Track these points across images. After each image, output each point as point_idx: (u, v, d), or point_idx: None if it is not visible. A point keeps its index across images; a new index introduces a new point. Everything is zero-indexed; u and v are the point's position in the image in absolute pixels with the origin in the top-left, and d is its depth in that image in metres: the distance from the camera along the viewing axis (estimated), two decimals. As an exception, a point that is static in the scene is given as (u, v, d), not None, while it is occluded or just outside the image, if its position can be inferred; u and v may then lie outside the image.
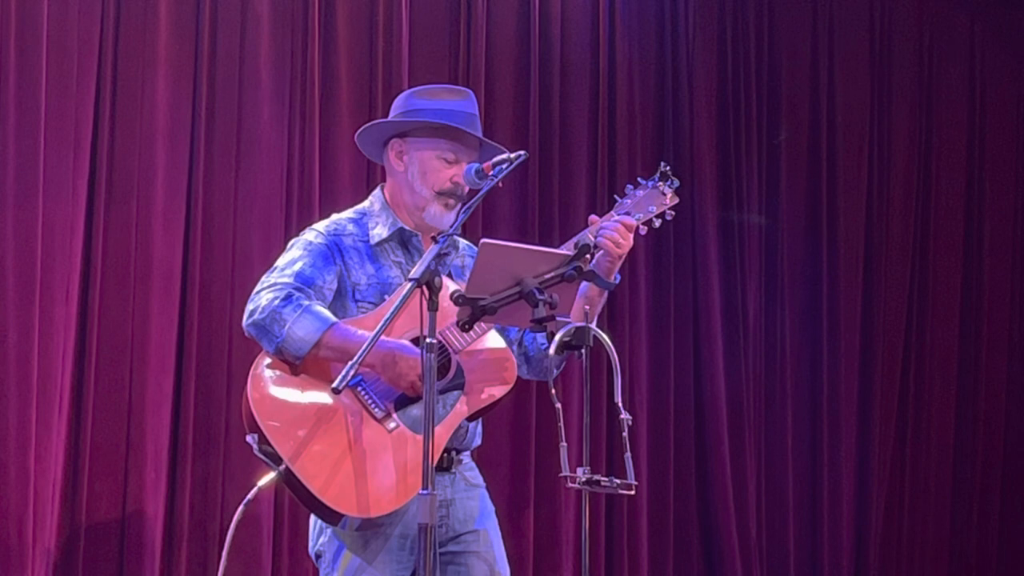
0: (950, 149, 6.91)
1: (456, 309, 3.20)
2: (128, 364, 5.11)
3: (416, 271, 3.11)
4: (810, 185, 6.61)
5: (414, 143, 3.61)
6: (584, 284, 3.42)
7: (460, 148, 3.58)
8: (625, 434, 3.17)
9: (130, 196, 5.16)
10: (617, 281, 3.50)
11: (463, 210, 3.32)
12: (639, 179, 3.56)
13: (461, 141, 3.58)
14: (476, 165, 3.44)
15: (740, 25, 6.48)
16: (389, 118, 3.66)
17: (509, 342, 3.59)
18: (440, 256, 3.19)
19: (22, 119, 4.99)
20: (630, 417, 3.22)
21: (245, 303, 3.49)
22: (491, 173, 3.40)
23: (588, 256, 3.29)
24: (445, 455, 3.48)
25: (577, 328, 3.22)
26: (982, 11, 7.00)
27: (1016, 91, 7.06)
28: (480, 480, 3.63)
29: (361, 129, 3.68)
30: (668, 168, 3.55)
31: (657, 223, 3.54)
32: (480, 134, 3.61)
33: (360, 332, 3.34)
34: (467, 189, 3.57)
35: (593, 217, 3.51)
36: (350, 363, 3.10)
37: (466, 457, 3.60)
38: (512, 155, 3.38)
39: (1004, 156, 7.00)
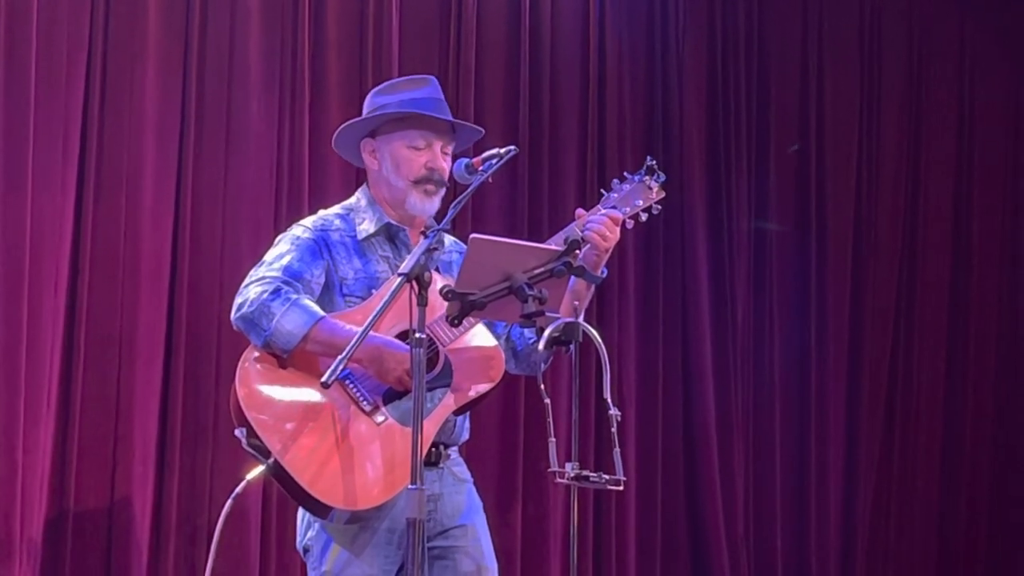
0: (939, 150, 6.91)
1: (444, 304, 3.20)
2: (116, 357, 5.10)
3: (406, 266, 3.11)
4: (799, 186, 6.62)
5: (383, 139, 3.62)
6: (572, 279, 3.43)
7: (429, 134, 3.59)
8: (614, 430, 3.18)
9: (119, 189, 5.15)
10: (604, 275, 3.50)
11: (453, 205, 3.32)
12: (625, 173, 3.57)
13: (429, 127, 3.59)
14: (466, 160, 3.45)
15: (730, 24, 6.48)
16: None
17: (496, 337, 3.60)
18: (429, 251, 3.18)
19: (11, 112, 4.98)
20: (619, 413, 3.22)
21: (233, 296, 3.49)
22: (481, 168, 3.40)
23: (577, 251, 3.30)
24: (433, 450, 3.49)
25: (566, 324, 3.23)
26: (972, 11, 7.01)
27: (1006, 92, 7.07)
28: (468, 475, 3.64)
29: (334, 137, 3.69)
30: (654, 162, 3.56)
31: (644, 217, 3.55)
32: (448, 117, 3.62)
33: (348, 327, 3.34)
34: (447, 174, 3.57)
35: (580, 211, 3.51)
36: (339, 357, 3.10)
37: (454, 452, 3.61)
38: (502, 150, 3.38)
39: (994, 158, 7.01)
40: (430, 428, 3.40)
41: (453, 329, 3.38)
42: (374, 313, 3.15)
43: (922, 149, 6.87)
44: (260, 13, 5.41)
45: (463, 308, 3.16)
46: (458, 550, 3.53)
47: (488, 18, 5.91)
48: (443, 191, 3.60)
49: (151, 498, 5.09)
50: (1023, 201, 7.06)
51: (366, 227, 3.59)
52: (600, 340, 3.24)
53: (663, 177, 3.56)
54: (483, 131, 3.74)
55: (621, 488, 3.21)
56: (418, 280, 3.09)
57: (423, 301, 3.08)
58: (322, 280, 3.53)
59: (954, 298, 6.89)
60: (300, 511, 3.51)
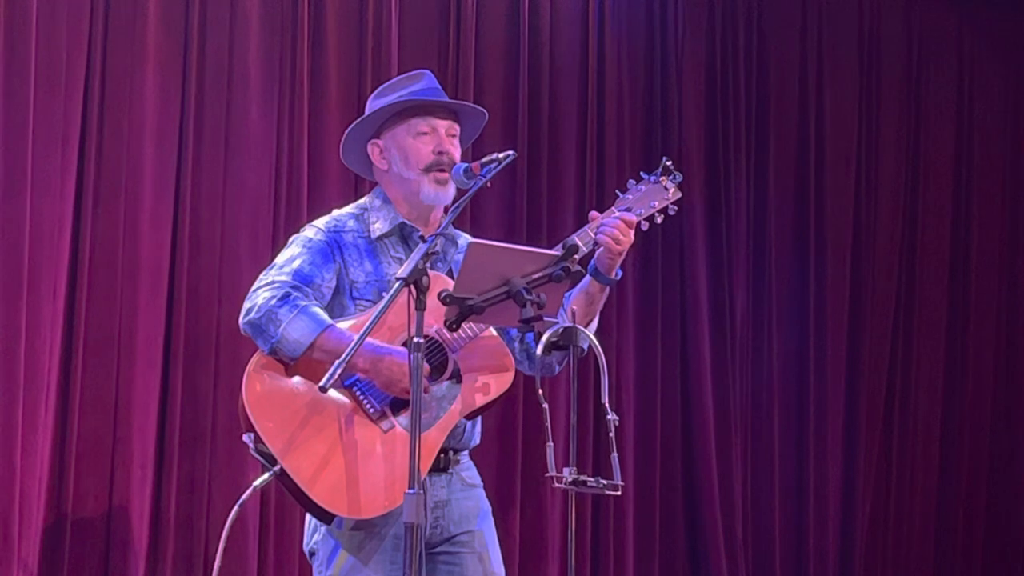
0: (938, 154, 6.92)
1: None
2: (115, 361, 5.10)
3: (403, 270, 3.11)
4: (798, 186, 6.62)
5: (389, 135, 3.60)
6: (586, 280, 3.43)
7: (431, 119, 3.57)
8: (612, 434, 3.18)
9: (118, 193, 5.15)
10: (619, 277, 3.49)
11: (452, 210, 3.32)
12: (641, 173, 3.54)
13: (431, 113, 3.58)
14: (465, 165, 3.44)
15: (729, 26, 6.48)
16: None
17: (511, 339, 3.59)
18: (427, 255, 3.16)
19: (10, 115, 4.98)
20: (617, 417, 3.22)
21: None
22: (480, 173, 3.40)
23: (575, 256, 3.29)
24: (442, 455, 3.46)
25: (565, 328, 3.23)
26: (971, 16, 7.02)
27: (1005, 97, 7.08)
28: (478, 479, 3.61)
29: (341, 145, 3.67)
30: (671, 162, 3.54)
31: (659, 219, 3.53)
32: (447, 99, 3.61)
33: (355, 335, 3.32)
34: (456, 157, 3.55)
35: (593, 213, 3.49)
36: (336, 362, 3.09)
37: (464, 457, 3.58)
38: (501, 155, 3.37)
39: (993, 162, 7.02)
40: (438, 435, 3.40)
41: (463, 334, 3.38)
42: (371, 319, 3.14)
43: (921, 152, 6.87)
44: (259, 16, 5.41)
45: (461, 313, 3.16)
46: (465, 554, 3.51)
47: (487, 24, 5.91)
48: (454, 172, 3.55)
49: (149, 502, 5.08)
50: (1022, 205, 7.07)
51: (379, 226, 3.57)
52: (598, 344, 3.24)
53: (680, 177, 3.53)
54: (486, 113, 3.70)
55: (619, 493, 3.20)
56: (416, 284, 3.09)
57: (421, 305, 3.08)
58: (333, 284, 3.51)
59: (953, 300, 6.90)
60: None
